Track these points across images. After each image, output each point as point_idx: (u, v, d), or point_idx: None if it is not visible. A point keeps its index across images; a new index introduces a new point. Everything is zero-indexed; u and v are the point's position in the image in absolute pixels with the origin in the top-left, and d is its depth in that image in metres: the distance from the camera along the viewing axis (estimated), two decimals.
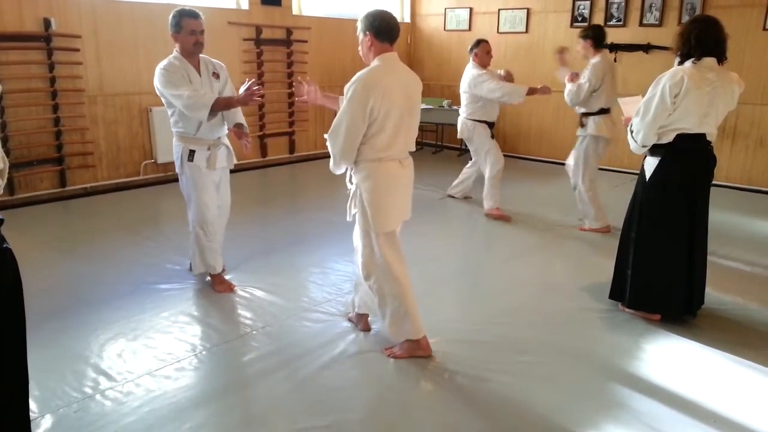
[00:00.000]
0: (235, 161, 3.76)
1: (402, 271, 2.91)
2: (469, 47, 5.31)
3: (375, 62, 2.76)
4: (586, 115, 4.87)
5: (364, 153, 2.77)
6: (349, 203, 2.95)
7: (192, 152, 3.49)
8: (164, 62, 3.42)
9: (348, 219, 2.99)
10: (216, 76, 3.59)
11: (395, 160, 2.82)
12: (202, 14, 3.45)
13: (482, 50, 5.21)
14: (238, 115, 3.67)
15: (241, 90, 3.34)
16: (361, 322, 3.25)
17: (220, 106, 3.35)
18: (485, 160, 5.38)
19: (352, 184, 2.90)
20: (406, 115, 2.77)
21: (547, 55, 5.36)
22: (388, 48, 2.78)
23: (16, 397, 1.98)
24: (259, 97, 3.31)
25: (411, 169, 2.95)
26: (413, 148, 2.93)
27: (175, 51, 3.46)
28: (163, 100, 3.46)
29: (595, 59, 4.77)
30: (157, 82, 3.39)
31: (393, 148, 2.77)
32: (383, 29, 2.73)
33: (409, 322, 2.91)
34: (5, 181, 1.98)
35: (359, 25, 2.79)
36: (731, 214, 5.48)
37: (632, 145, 3.26)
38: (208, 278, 3.78)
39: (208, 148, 3.52)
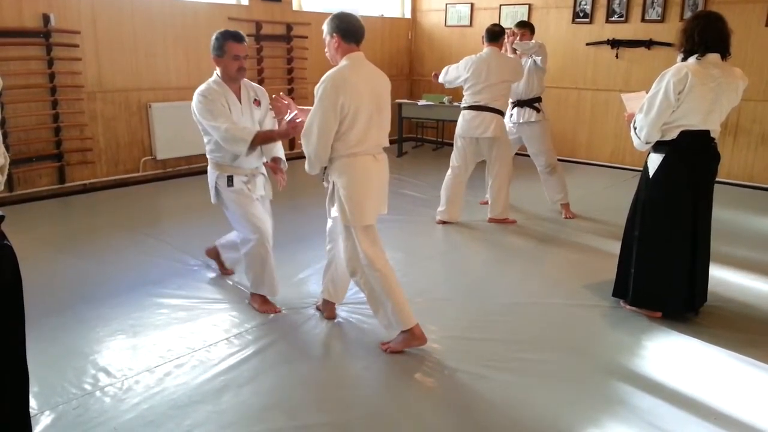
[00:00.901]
0: (272, 193, 3.60)
1: (384, 264, 2.94)
2: (492, 35, 4.84)
3: (342, 62, 2.83)
4: (539, 100, 5.19)
5: (338, 150, 2.84)
6: (327, 202, 3.01)
7: (230, 177, 3.33)
8: (203, 87, 3.25)
9: (329, 218, 3.09)
10: (257, 103, 3.42)
11: (369, 154, 2.88)
12: (246, 37, 3.31)
13: (504, 37, 4.95)
14: (278, 147, 3.50)
15: (287, 118, 3.13)
16: (327, 309, 3.29)
17: (260, 140, 3.19)
18: (505, 161, 5.01)
19: (328, 182, 2.95)
20: (375, 111, 2.85)
21: (548, 51, 5.31)
22: (355, 48, 2.86)
23: (16, 394, 1.97)
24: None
25: (385, 164, 3.00)
26: (386, 144, 2.99)
27: (216, 75, 3.29)
28: (199, 126, 3.30)
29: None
30: (194, 109, 3.22)
31: (365, 143, 2.84)
32: (349, 30, 2.83)
33: (399, 313, 2.91)
34: (5, 177, 1.97)
35: (325, 28, 2.87)
36: (733, 211, 5.45)
37: (635, 142, 3.24)
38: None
39: (246, 176, 3.38)
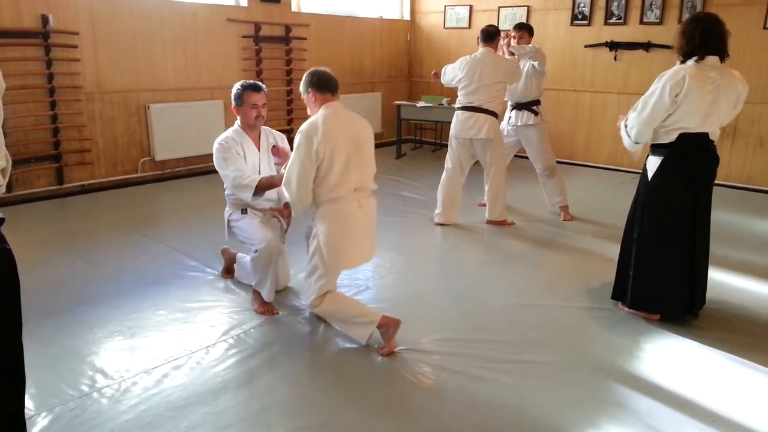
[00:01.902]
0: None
1: (323, 294, 3.05)
2: (487, 36, 4.80)
3: (320, 111, 2.97)
4: (537, 103, 5.19)
5: (320, 195, 2.97)
6: (308, 240, 3.19)
7: (245, 209, 3.50)
8: (222, 136, 3.47)
9: (307, 246, 3.22)
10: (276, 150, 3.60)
11: (354, 201, 2.99)
12: (265, 87, 3.49)
13: (500, 38, 4.93)
14: None
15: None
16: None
17: (264, 187, 3.35)
18: (501, 164, 4.99)
19: (315, 226, 3.08)
20: (353, 154, 2.95)
21: (547, 53, 5.33)
22: (330, 98, 3.00)
23: (13, 396, 1.97)
24: None
25: (371, 209, 3.10)
26: (372, 187, 3.08)
27: (237, 123, 3.51)
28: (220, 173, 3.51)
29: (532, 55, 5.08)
30: (213, 158, 3.45)
31: (345, 186, 2.95)
32: (322, 82, 2.99)
33: (363, 319, 2.99)
34: (7, 179, 1.97)
35: (301, 88, 3.05)
36: (731, 213, 5.46)
37: (625, 141, 3.26)
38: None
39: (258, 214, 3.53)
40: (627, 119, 3.23)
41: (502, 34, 5.03)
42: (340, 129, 2.93)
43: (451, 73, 4.93)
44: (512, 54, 5.05)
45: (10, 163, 1.97)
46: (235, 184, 3.35)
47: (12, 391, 1.96)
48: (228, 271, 3.87)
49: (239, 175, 3.34)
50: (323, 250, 2.99)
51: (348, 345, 3.03)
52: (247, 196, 3.32)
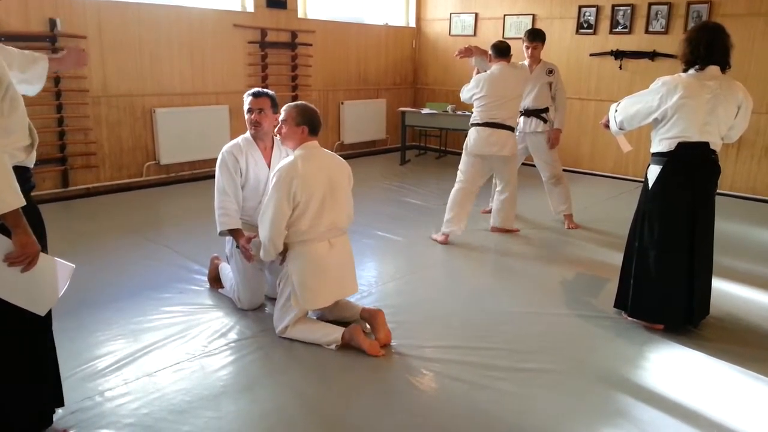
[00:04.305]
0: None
1: (294, 324, 3.10)
2: (500, 51, 4.70)
3: (297, 151, 3.02)
4: (547, 111, 5.23)
5: (290, 236, 3.01)
6: (278, 281, 3.18)
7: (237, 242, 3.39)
8: (230, 143, 3.39)
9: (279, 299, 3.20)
10: None
11: (324, 240, 3.03)
12: (271, 93, 3.44)
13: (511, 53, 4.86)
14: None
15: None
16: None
17: (228, 234, 3.36)
18: (515, 177, 5.01)
19: (285, 266, 3.10)
20: (328, 196, 3.00)
21: (552, 61, 5.35)
22: (314, 139, 3.07)
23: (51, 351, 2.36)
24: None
25: (342, 248, 3.13)
26: (345, 226, 3.14)
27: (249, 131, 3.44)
28: None
29: (546, 62, 5.25)
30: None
31: (318, 227, 3.00)
32: (315, 124, 3.04)
33: (329, 338, 3.04)
34: (32, 155, 2.17)
35: (293, 119, 3.02)
36: (736, 223, 5.45)
37: (611, 124, 3.38)
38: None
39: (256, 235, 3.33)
40: (619, 103, 3.34)
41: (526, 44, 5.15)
42: (318, 171, 2.97)
43: (468, 92, 4.81)
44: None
45: (37, 140, 2.14)
46: (216, 207, 3.34)
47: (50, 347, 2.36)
48: (215, 280, 3.76)
49: (222, 209, 3.32)
50: (296, 289, 3.02)
51: (349, 352, 3.02)
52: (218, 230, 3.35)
